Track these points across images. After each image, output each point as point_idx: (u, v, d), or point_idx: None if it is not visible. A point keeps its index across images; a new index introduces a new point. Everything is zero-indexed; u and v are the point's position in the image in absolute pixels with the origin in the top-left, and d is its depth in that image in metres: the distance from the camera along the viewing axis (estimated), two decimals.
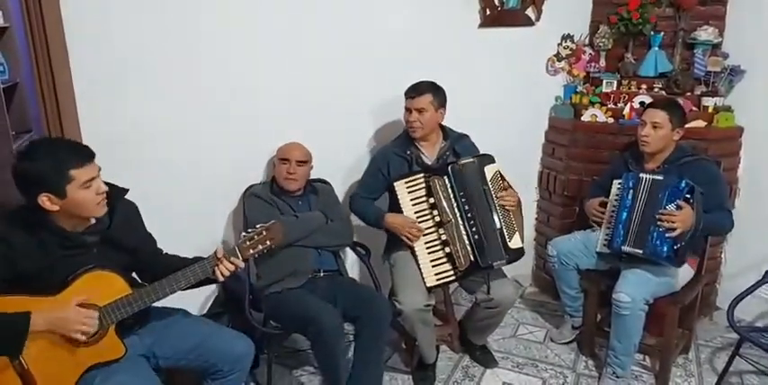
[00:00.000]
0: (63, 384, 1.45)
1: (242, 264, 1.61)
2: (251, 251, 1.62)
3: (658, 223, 2.08)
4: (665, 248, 2.09)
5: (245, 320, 2.11)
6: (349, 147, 2.67)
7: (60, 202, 1.42)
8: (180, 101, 2.30)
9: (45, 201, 1.41)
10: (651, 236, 2.11)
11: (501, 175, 2.21)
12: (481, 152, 2.38)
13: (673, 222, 2.05)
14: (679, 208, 2.06)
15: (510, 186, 2.21)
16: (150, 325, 1.66)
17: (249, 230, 1.64)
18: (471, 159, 2.18)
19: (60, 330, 1.40)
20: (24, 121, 3.34)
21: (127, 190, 1.61)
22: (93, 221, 1.54)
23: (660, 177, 2.14)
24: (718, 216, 2.18)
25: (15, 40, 3.27)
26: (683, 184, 2.07)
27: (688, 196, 2.07)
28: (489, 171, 2.17)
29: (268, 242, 1.63)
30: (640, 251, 2.14)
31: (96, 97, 2.16)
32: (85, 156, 1.44)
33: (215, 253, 1.59)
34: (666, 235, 2.07)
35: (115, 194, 1.55)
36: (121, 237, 1.59)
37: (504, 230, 2.15)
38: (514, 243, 2.16)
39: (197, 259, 1.62)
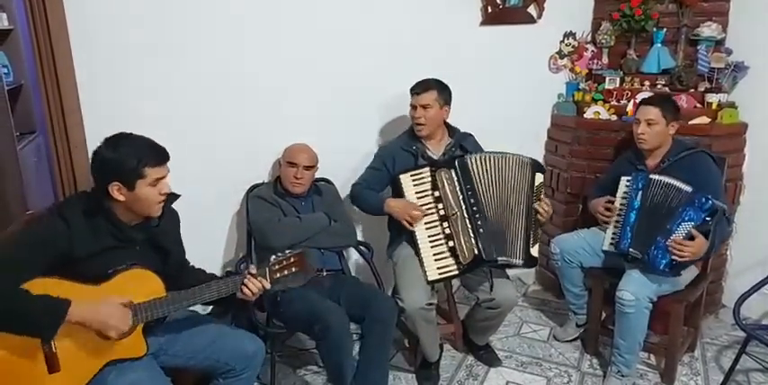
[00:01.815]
0: (82, 374, 1.47)
1: (268, 286, 1.65)
2: (278, 275, 1.67)
3: (669, 249, 2.04)
4: (664, 262, 2.07)
5: (248, 319, 2.12)
6: (352, 146, 2.67)
7: (127, 194, 1.51)
8: (184, 102, 2.30)
9: (115, 190, 1.50)
10: (655, 245, 2.08)
11: (542, 186, 2.22)
12: (484, 150, 2.38)
13: (683, 252, 2.01)
14: (692, 238, 2.02)
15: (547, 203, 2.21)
16: (163, 324, 1.68)
17: (279, 255, 1.69)
18: (527, 159, 2.19)
19: (94, 325, 1.43)
20: (29, 122, 3.38)
21: (179, 195, 1.67)
22: (142, 219, 1.60)
23: (689, 189, 2.07)
24: (720, 230, 2.11)
25: (20, 43, 3.32)
26: (708, 205, 2.01)
27: (708, 219, 2.02)
28: (537, 179, 2.19)
29: (294, 268, 1.69)
30: (640, 255, 2.14)
31: (100, 98, 2.17)
32: (163, 157, 1.56)
33: (248, 269, 1.65)
34: (672, 258, 2.04)
35: (169, 198, 1.62)
36: (163, 240, 1.66)
37: (531, 235, 2.15)
38: (534, 250, 2.16)
39: (226, 275, 1.67)
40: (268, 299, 2.14)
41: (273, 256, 1.68)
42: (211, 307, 2.37)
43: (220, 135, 2.39)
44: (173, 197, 1.64)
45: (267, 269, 1.66)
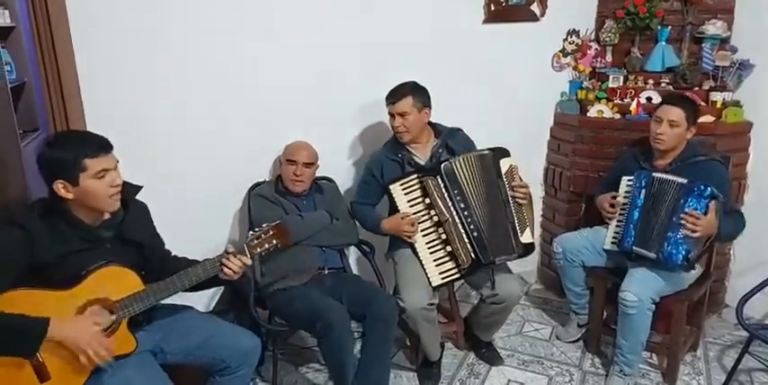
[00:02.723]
0: (75, 378, 1.47)
1: (249, 262, 1.65)
2: (258, 249, 1.66)
3: (681, 222, 2.02)
4: (681, 256, 2.05)
5: (250, 317, 2.12)
6: (353, 144, 2.67)
7: (73, 190, 1.47)
8: (187, 100, 2.30)
9: (60, 187, 1.46)
10: (667, 241, 2.07)
11: (515, 169, 2.18)
12: (478, 146, 2.36)
13: (695, 225, 2.00)
14: (705, 213, 2.01)
15: (521, 180, 2.19)
16: (158, 321, 1.69)
17: (256, 229, 1.68)
18: (486, 151, 2.16)
19: (70, 346, 1.42)
20: (32, 120, 3.38)
21: (140, 187, 1.65)
22: (107, 216, 1.58)
23: (683, 181, 2.06)
24: (732, 220, 2.12)
25: (22, 40, 3.31)
26: (707, 192, 2.00)
27: (711, 204, 2.01)
28: (504, 164, 2.15)
29: (274, 241, 1.68)
30: (653, 255, 2.11)
31: (103, 96, 2.16)
32: (101, 147, 1.50)
33: (225, 250, 1.64)
34: (685, 236, 2.02)
35: (129, 191, 1.60)
36: (133, 234, 1.64)
37: (517, 224, 2.13)
38: (525, 238, 2.14)
39: (205, 261, 1.65)
40: (269, 297, 2.14)
41: (251, 232, 1.68)
42: (214, 305, 2.39)
43: (221, 134, 2.39)
44: (134, 189, 1.62)
45: (245, 245, 1.65)
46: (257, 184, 2.41)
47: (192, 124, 2.32)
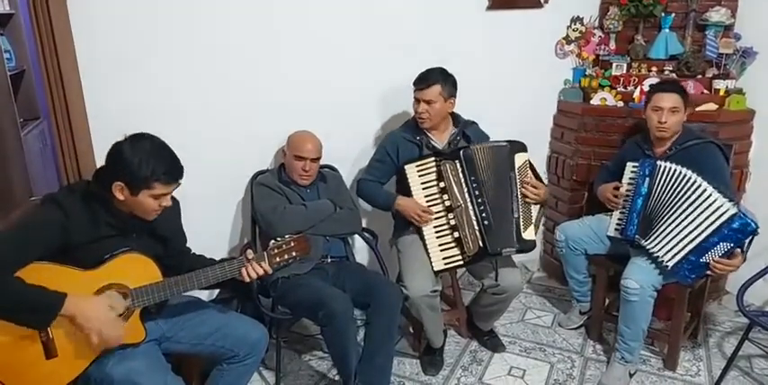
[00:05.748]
0: (80, 361, 1.48)
1: (269, 270, 1.66)
2: (278, 259, 1.68)
3: (710, 267, 2.02)
4: (693, 276, 2.07)
5: (254, 305, 2.13)
6: (357, 132, 2.66)
7: (128, 196, 1.51)
8: (189, 87, 2.29)
9: (117, 188, 1.50)
10: (687, 261, 2.05)
11: (531, 166, 2.19)
12: (489, 137, 2.37)
13: (723, 272, 2.03)
14: (733, 256, 2.01)
15: (541, 181, 2.19)
16: (166, 311, 1.69)
17: (278, 239, 1.69)
18: (504, 143, 2.16)
19: (82, 324, 1.43)
20: (32, 109, 3.37)
21: (179, 184, 1.65)
22: None
23: (690, 174, 2.05)
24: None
25: (21, 27, 3.28)
26: (751, 228, 1.97)
27: (747, 240, 2.01)
28: (519, 159, 2.15)
29: (294, 253, 1.70)
30: (669, 267, 2.09)
31: (103, 84, 2.15)
32: (177, 177, 1.54)
33: (245, 255, 1.65)
34: (707, 263, 2.03)
35: None
36: (162, 229, 1.66)
37: (521, 220, 2.13)
38: (528, 234, 2.15)
39: (224, 260, 1.67)
40: (273, 286, 2.15)
41: (273, 241, 1.69)
42: (217, 293, 2.39)
43: (224, 121, 2.38)
44: None
45: (266, 253, 1.66)
46: (260, 173, 2.41)
47: (193, 112, 2.31)
